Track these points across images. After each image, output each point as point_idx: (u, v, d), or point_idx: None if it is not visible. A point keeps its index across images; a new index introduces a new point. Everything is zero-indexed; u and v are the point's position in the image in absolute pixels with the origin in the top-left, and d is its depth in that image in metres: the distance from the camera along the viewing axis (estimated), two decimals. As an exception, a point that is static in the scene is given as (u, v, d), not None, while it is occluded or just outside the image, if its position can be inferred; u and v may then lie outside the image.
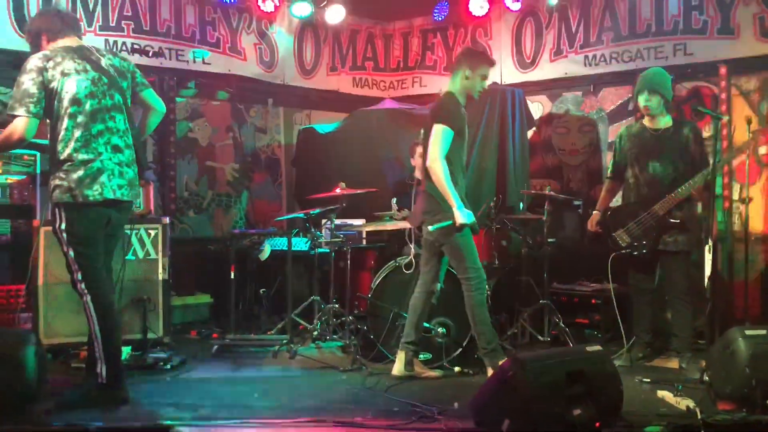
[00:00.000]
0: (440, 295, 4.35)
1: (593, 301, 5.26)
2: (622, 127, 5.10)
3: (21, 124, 3.46)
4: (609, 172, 4.93)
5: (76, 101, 3.54)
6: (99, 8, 5.72)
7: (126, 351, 4.51)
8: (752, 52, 5.53)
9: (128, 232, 4.75)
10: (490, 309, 4.59)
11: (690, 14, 5.80)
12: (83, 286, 3.56)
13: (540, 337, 5.06)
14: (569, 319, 5.23)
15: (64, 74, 3.53)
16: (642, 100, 4.56)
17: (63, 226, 3.54)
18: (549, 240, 5.17)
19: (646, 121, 4.65)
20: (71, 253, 3.55)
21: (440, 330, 4.43)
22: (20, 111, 3.45)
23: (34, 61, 3.52)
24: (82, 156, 3.52)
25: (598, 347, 3.06)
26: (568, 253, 5.71)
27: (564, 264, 5.60)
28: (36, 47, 3.72)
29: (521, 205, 5.41)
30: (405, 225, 4.83)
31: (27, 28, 3.90)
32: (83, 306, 3.59)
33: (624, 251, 4.55)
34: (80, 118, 3.54)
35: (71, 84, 3.53)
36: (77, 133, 3.53)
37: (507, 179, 5.85)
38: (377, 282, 4.69)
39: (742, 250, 5.29)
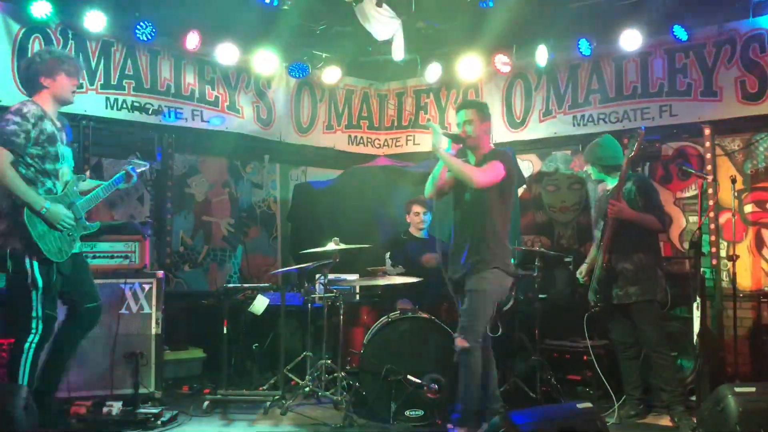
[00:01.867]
0: (433, 350, 4.39)
1: (584, 357, 5.27)
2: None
3: None
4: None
5: None
6: (101, 67, 5.87)
7: (117, 406, 4.49)
8: (735, 113, 5.71)
9: (122, 286, 4.84)
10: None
11: (675, 77, 6.01)
12: None
13: (532, 394, 5.05)
14: (561, 376, 5.25)
15: None
16: None
17: None
18: (540, 296, 5.23)
19: (606, 185, 4.87)
20: None
21: (433, 386, 4.42)
22: None
23: None
24: None
25: (588, 404, 3.09)
26: (559, 310, 5.75)
27: (555, 320, 5.63)
28: None
29: (512, 260, 5.46)
30: (400, 280, 4.90)
31: None
32: None
33: (593, 310, 4.65)
34: None
35: None
36: None
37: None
38: (369, 337, 4.71)
39: (731, 307, 5.36)
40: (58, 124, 4.02)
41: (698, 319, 4.01)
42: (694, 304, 4.03)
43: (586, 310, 4.81)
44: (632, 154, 4.40)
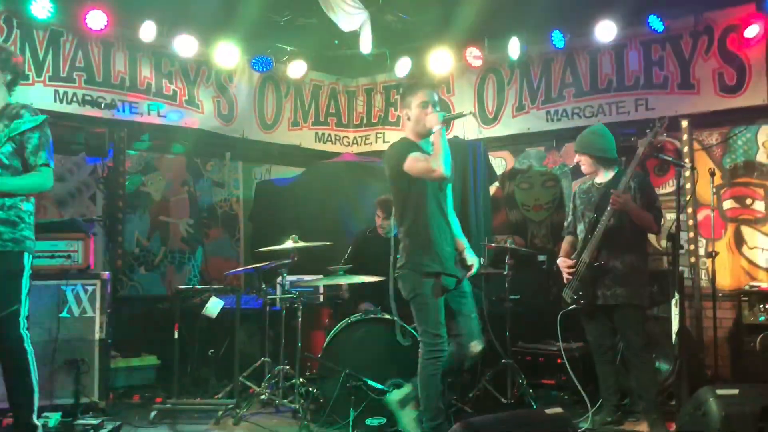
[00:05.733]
0: (396, 354, 4.09)
1: (558, 360, 5.01)
2: (577, 185, 5.01)
3: None
4: (566, 229, 4.75)
5: None
6: (50, 58, 5.54)
7: (55, 417, 4.15)
8: (712, 106, 5.52)
9: (64, 287, 4.50)
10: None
11: (651, 70, 5.80)
12: None
13: (503, 399, 4.78)
14: (535, 380, 5.00)
15: None
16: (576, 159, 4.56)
17: None
18: (511, 297, 4.97)
19: (596, 177, 4.53)
20: None
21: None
22: None
23: None
24: None
25: (559, 410, 2.81)
26: (532, 311, 5.48)
27: (528, 322, 5.37)
28: None
29: (481, 259, 5.18)
30: (362, 280, 4.60)
31: None
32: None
33: (570, 308, 4.34)
34: None
35: None
36: None
37: (468, 233, 5.66)
38: (328, 341, 4.41)
39: (710, 307, 5.13)
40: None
41: (677, 317, 3.76)
42: (672, 302, 3.77)
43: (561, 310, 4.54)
44: (649, 144, 4.13)
